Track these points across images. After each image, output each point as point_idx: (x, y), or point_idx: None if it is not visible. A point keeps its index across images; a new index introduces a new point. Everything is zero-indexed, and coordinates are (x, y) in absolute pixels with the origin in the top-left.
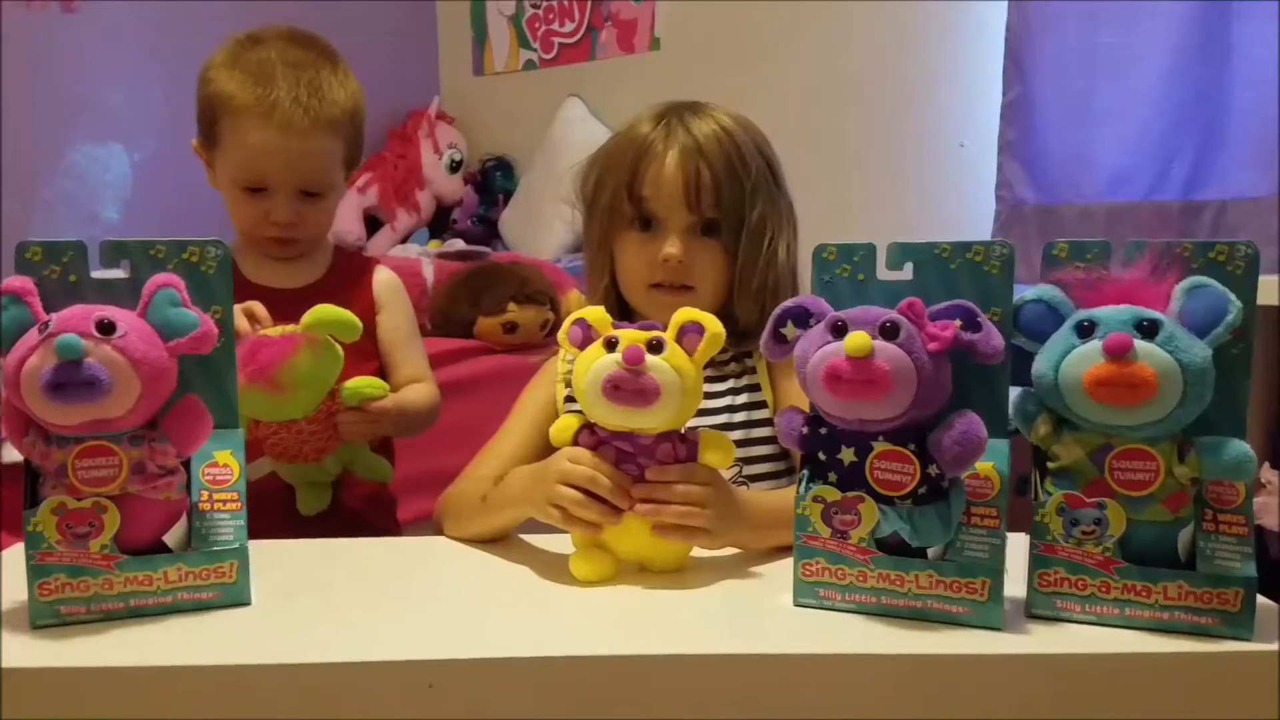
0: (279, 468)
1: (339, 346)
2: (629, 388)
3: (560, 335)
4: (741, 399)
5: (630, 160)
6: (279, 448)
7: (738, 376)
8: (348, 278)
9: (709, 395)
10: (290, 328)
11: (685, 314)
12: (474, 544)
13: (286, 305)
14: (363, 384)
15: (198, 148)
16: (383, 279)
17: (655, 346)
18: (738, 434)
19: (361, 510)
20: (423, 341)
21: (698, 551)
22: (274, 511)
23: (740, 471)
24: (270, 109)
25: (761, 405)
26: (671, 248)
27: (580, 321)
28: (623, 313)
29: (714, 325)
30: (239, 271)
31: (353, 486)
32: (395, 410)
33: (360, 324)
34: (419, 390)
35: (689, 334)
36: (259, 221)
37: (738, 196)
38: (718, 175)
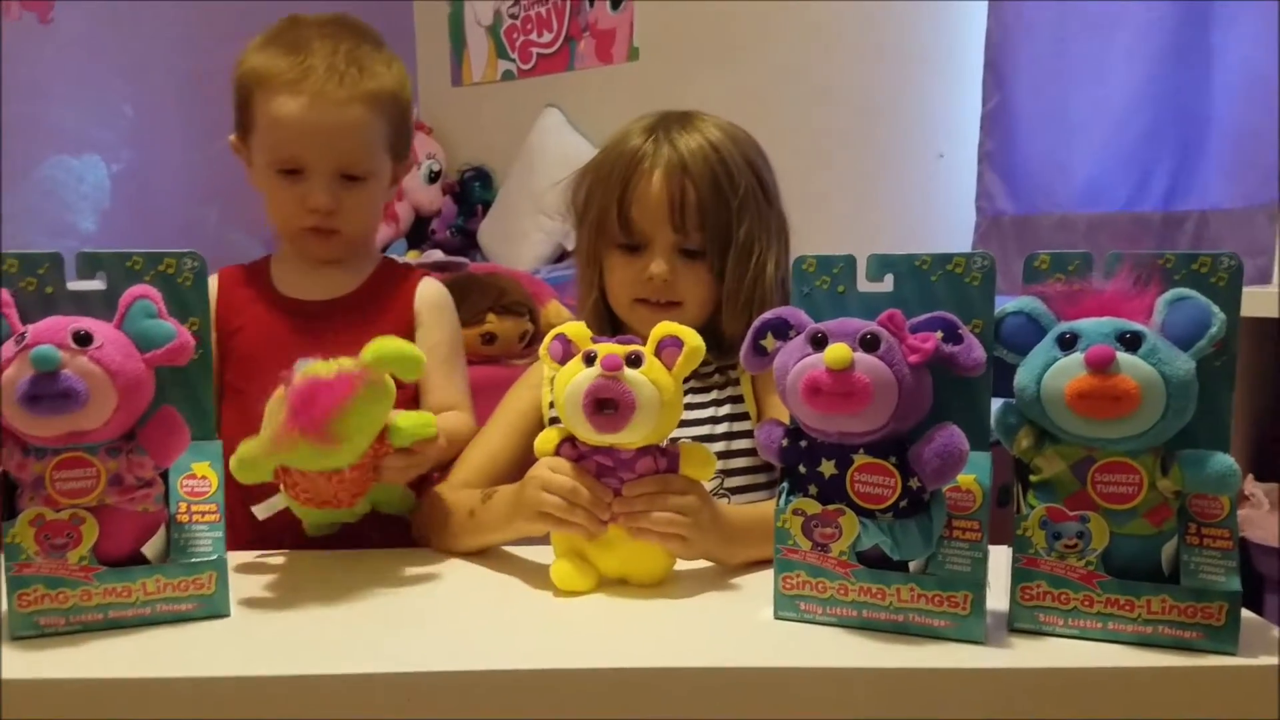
0: (303, 512)
1: (393, 384)
2: (607, 395)
3: (541, 350)
4: (724, 410)
5: (618, 176)
6: (309, 493)
7: (720, 388)
8: (386, 289)
9: (691, 406)
10: (344, 363)
11: (664, 329)
12: (455, 555)
13: (318, 320)
14: (416, 425)
15: (236, 144)
16: (427, 293)
17: (634, 361)
18: (719, 445)
19: (366, 532)
20: (465, 366)
21: (679, 565)
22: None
23: (721, 483)
24: (303, 75)
25: (744, 417)
26: (657, 267)
27: (560, 337)
28: (612, 325)
29: (693, 340)
30: (271, 284)
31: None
32: (446, 450)
33: (424, 359)
34: (459, 421)
35: (667, 348)
36: (295, 210)
37: (724, 216)
38: (703, 196)
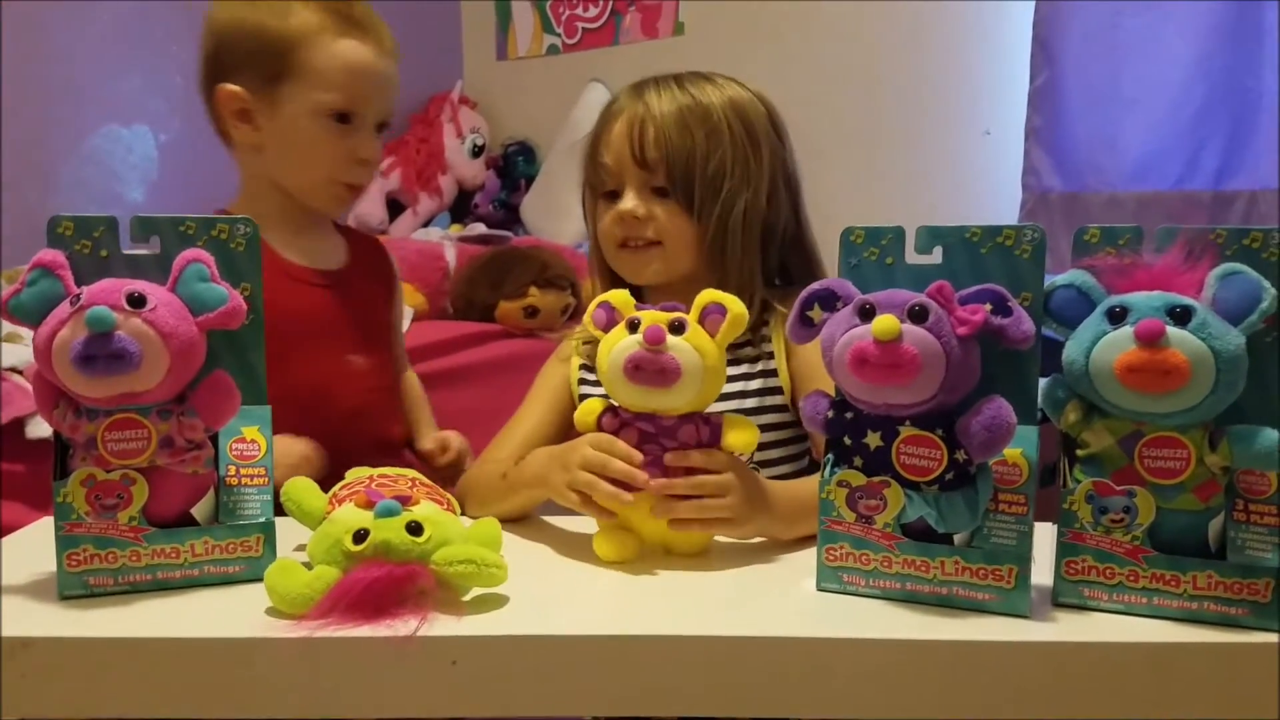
0: None
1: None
2: (650, 367)
3: (585, 318)
4: (755, 384)
5: (597, 127)
6: None
7: (752, 361)
8: (371, 259)
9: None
10: (411, 548)
11: (708, 295)
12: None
13: (321, 288)
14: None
15: (238, 94)
16: (394, 258)
17: (677, 327)
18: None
19: None
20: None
21: (720, 535)
22: None
23: (752, 456)
24: (370, 27)
25: (776, 391)
26: (626, 203)
27: (604, 304)
28: (614, 281)
29: (736, 306)
30: (270, 249)
31: None
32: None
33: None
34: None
35: (711, 315)
36: (342, 162)
37: (686, 149)
38: (665, 129)
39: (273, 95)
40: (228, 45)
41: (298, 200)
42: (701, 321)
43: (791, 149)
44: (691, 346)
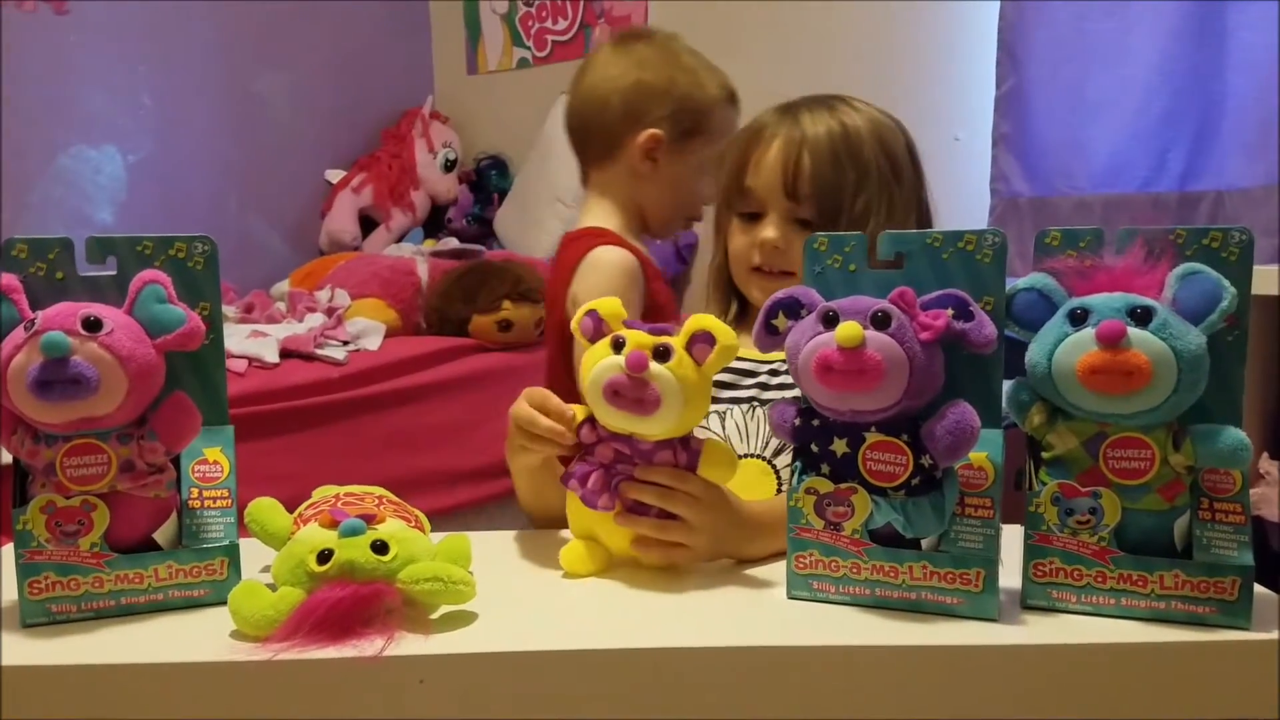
0: None
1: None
2: (629, 394)
3: (573, 325)
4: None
5: (742, 145)
6: None
7: None
8: None
9: (769, 387)
10: (376, 566)
11: (698, 322)
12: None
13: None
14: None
15: (657, 139)
16: None
17: (662, 354)
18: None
19: None
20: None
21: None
22: None
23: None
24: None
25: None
26: (768, 233)
27: (591, 314)
28: (733, 294)
29: (726, 337)
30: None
31: None
32: None
33: (470, 593)
34: None
35: (699, 343)
36: (700, 204)
37: (839, 186)
38: (819, 164)
39: (681, 146)
40: (658, 100)
41: (645, 222)
42: (689, 348)
43: (925, 179)
44: (673, 376)
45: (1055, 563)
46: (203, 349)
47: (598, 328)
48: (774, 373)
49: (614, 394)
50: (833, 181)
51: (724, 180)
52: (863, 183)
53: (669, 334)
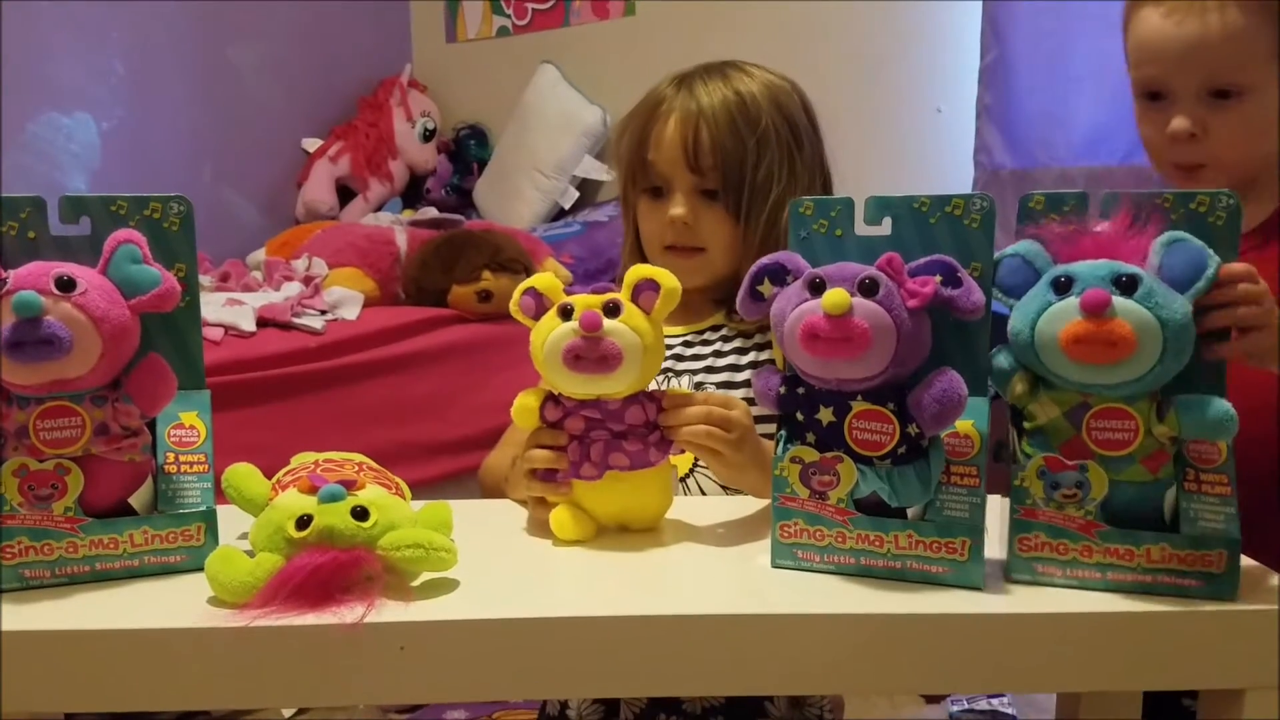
0: None
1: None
2: (590, 355)
3: (511, 307)
4: (747, 358)
5: (641, 123)
6: None
7: (760, 349)
8: None
9: (735, 368)
10: (356, 533)
11: (637, 271)
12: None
13: None
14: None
15: None
16: None
17: (612, 309)
18: (740, 392)
19: None
20: None
21: (676, 513)
22: None
23: None
24: None
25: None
26: (676, 208)
27: (530, 291)
28: None
29: (668, 281)
30: None
31: None
32: None
33: (451, 561)
34: None
35: (645, 292)
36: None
37: (739, 154)
38: (718, 135)
39: None
40: None
41: None
42: (635, 299)
43: (823, 139)
44: (629, 328)
45: (1041, 537)
46: (178, 311)
47: (539, 303)
48: (687, 344)
49: (575, 359)
50: (733, 151)
51: (625, 156)
52: (763, 149)
53: (611, 290)
